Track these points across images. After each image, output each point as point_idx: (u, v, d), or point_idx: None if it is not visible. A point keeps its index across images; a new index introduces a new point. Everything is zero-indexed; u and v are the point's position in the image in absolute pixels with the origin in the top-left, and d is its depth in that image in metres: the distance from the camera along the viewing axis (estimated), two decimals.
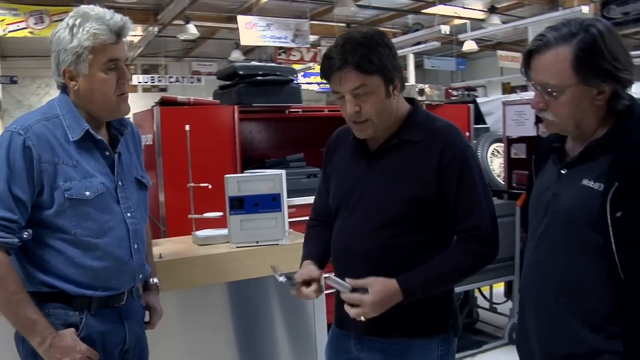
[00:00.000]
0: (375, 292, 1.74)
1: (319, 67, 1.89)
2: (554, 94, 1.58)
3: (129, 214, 1.95)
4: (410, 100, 1.97)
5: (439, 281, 1.85)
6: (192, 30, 11.89)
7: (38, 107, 1.93)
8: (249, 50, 16.09)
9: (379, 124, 1.86)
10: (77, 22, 1.84)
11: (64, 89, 1.93)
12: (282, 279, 1.88)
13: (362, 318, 1.74)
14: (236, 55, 15.63)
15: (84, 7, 1.89)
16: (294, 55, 15.02)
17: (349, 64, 1.76)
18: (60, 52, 1.86)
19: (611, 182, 1.50)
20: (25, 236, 1.79)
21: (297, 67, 11.39)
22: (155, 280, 2.20)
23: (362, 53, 1.76)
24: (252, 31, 11.29)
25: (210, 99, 4.77)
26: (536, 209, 1.75)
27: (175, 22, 11.77)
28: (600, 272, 1.54)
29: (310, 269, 1.93)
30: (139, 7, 11.10)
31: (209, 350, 2.73)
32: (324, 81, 1.87)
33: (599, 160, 1.57)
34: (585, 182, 1.57)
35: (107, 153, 1.94)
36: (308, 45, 13.21)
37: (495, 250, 1.87)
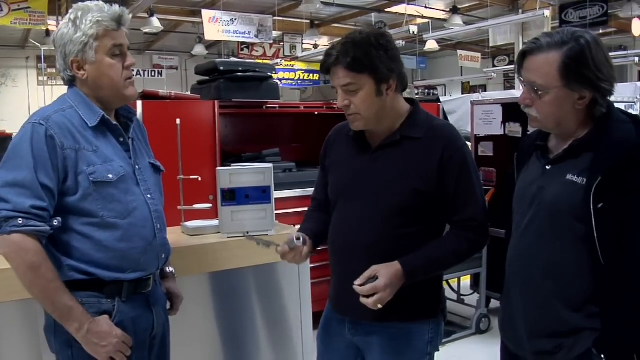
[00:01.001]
0: (384, 275, 1.85)
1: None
2: (540, 93, 1.74)
3: (149, 196, 2.02)
4: (410, 101, 2.10)
5: (438, 264, 1.99)
6: (156, 23, 11.82)
7: (51, 102, 1.99)
8: (211, 45, 16.04)
9: (368, 119, 1.98)
10: (79, 14, 1.93)
11: (71, 83, 2.00)
12: (261, 245, 2.10)
13: (380, 305, 1.84)
14: (199, 49, 15.56)
15: (82, 3, 1.98)
16: (257, 51, 15.04)
17: (340, 62, 1.92)
18: (66, 45, 1.93)
19: (594, 177, 1.66)
20: (55, 224, 1.83)
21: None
22: (171, 268, 2.28)
23: (354, 54, 1.90)
24: (216, 26, 11.28)
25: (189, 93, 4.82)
26: (521, 202, 1.90)
27: (139, 14, 11.68)
28: (581, 258, 1.71)
29: (290, 234, 2.07)
30: None
31: (195, 340, 2.77)
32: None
33: (582, 157, 1.74)
34: (569, 177, 1.73)
35: (122, 139, 2.01)
36: (271, 41, 13.26)
37: (487, 239, 2.04)
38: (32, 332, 2.26)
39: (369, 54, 1.91)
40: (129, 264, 1.94)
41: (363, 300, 1.85)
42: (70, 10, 1.97)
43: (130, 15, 2.02)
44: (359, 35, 1.95)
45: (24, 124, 1.89)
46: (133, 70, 2.03)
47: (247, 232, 2.81)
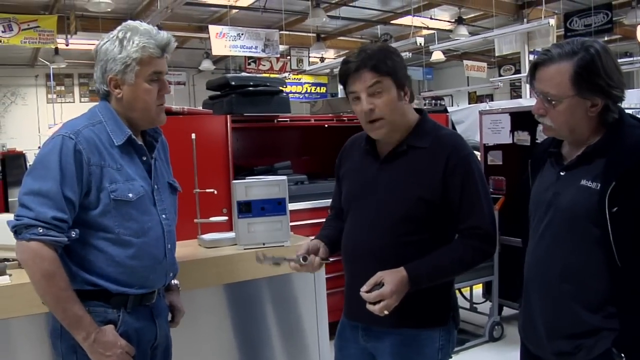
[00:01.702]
0: (390, 281, 1.88)
1: (339, 72, 2.09)
2: (553, 102, 1.79)
3: (164, 216, 2.06)
4: (419, 111, 2.15)
5: (443, 271, 2.01)
6: None
7: (81, 114, 2.03)
8: (218, 60, 16.17)
9: (392, 123, 2.02)
10: (127, 35, 1.95)
11: (105, 97, 2.04)
12: (267, 262, 2.15)
13: (386, 312, 1.87)
14: (206, 64, 15.72)
15: (132, 22, 2.01)
16: (264, 65, 15.14)
17: (365, 65, 1.97)
18: (108, 61, 1.96)
19: (608, 182, 1.70)
20: (73, 235, 1.88)
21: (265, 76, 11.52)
22: (176, 281, 2.32)
23: (378, 57, 1.97)
24: (223, 41, 11.40)
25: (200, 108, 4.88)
26: (537, 207, 1.95)
27: None
28: (598, 261, 1.75)
29: (301, 245, 2.16)
30: (111, 16, 11.13)
31: (212, 351, 2.79)
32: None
33: (595, 163, 1.78)
34: (583, 182, 1.78)
35: (145, 158, 2.05)
36: (278, 55, 13.37)
37: (494, 247, 2.05)
38: (49, 346, 2.30)
39: (390, 58, 1.99)
40: (137, 280, 1.99)
41: (369, 307, 1.88)
42: (119, 27, 1.99)
43: (174, 41, 2.04)
44: (373, 45, 2.03)
45: (54, 134, 1.93)
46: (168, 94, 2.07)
47: (264, 244, 2.86)
